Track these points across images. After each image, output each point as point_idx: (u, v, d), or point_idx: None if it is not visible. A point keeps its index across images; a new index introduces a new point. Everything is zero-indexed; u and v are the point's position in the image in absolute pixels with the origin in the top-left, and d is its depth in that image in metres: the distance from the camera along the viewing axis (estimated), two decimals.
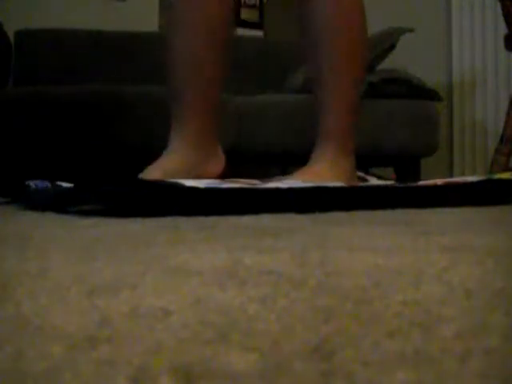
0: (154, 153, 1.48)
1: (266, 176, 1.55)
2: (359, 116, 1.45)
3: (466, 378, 0.22)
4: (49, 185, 1.18)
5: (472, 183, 1.24)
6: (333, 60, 1.39)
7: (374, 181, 1.44)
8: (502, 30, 3.04)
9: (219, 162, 1.45)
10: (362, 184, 1.32)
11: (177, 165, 1.36)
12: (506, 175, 1.40)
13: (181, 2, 1.40)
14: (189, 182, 1.09)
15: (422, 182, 1.41)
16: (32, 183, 1.21)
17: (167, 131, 1.43)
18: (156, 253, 0.57)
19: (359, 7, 1.42)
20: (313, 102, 1.45)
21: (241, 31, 3.71)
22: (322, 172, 1.33)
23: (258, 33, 3.89)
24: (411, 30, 2.64)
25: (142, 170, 1.36)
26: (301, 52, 1.51)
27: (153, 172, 1.33)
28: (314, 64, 1.42)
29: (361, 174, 1.46)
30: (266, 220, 0.91)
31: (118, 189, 1.01)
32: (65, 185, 1.18)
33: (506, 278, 0.43)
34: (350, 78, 1.41)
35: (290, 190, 1.08)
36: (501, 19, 2.91)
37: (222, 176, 1.44)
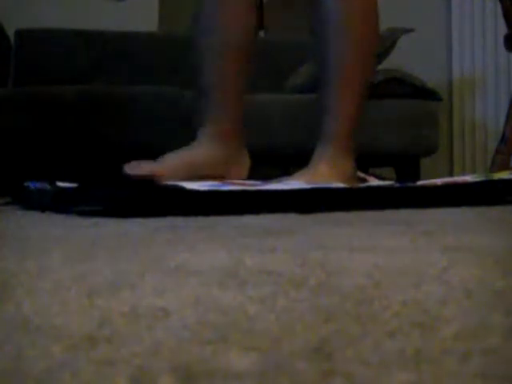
0: (154, 153, 1.48)
1: (266, 177, 1.55)
2: (362, 117, 1.44)
3: (466, 378, 0.22)
4: (47, 186, 1.18)
5: (472, 183, 1.24)
6: (343, 59, 1.38)
7: (374, 181, 1.44)
8: (502, 29, 3.04)
9: (244, 168, 1.47)
10: (362, 185, 1.32)
11: (201, 158, 1.39)
12: (504, 174, 1.40)
13: (207, 15, 1.44)
14: (189, 185, 1.08)
15: (421, 182, 1.41)
16: (31, 184, 1.21)
17: (167, 131, 1.43)
18: (156, 253, 0.57)
19: (373, 7, 1.41)
20: (315, 101, 1.44)
21: None
22: (322, 173, 1.33)
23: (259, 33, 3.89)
24: (411, 30, 2.64)
25: None
26: (310, 49, 1.51)
27: (174, 159, 1.36)
28: (322, 62, 1.41)
29: (361, 174, 1.46)
30: (267, 220, 0.91)
31: (118, 191, 1.01)
32: (64, 185, 1.18)
33: (506, 278, 0.43)
34: (358, 80, 1.40)
35: (290, 191, 1.08)
36: (501, 19, 2.91)
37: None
